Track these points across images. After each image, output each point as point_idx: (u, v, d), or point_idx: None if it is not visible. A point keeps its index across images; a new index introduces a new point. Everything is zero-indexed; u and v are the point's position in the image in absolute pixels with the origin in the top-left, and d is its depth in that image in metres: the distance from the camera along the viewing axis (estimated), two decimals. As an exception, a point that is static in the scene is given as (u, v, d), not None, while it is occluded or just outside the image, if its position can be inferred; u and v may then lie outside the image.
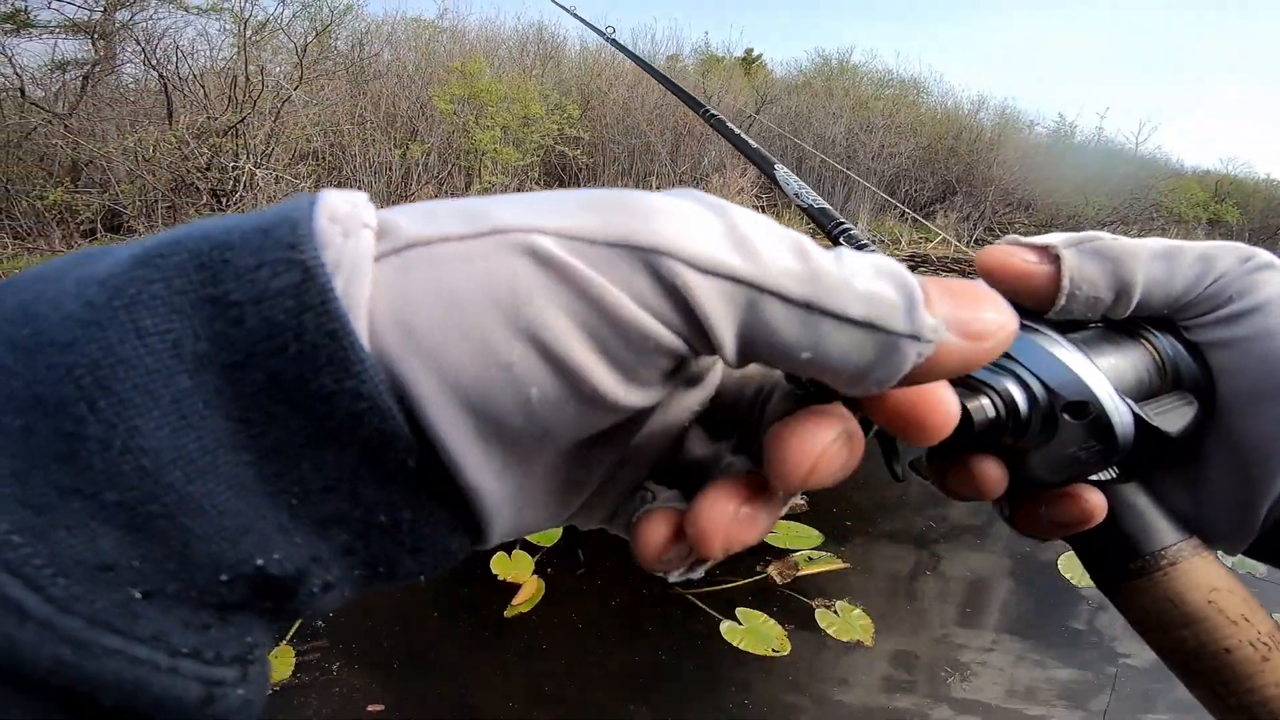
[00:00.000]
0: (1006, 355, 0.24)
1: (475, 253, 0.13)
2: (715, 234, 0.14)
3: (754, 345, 0.14)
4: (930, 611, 1.75)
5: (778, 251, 0.14)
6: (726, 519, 0.17)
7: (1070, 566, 1.90)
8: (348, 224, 0.13)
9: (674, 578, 0.19)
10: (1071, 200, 9.22)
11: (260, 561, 0.13)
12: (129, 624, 0.12)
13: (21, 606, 0.11)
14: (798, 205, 0.37)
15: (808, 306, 0.14)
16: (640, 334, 0.13)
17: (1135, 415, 0.23)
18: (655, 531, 0.18)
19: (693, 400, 0.20)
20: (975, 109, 10.32)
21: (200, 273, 0.12)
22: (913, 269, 0.15)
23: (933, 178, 9.29)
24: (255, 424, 0.12)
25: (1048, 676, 1.55)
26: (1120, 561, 0.25)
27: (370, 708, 1.44)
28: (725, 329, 0.14)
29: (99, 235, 5.46)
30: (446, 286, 0.13)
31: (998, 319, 0.16)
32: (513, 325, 0.13)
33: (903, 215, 8.89)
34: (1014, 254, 0.24)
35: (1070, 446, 0.23)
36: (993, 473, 0.24)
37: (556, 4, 1.20)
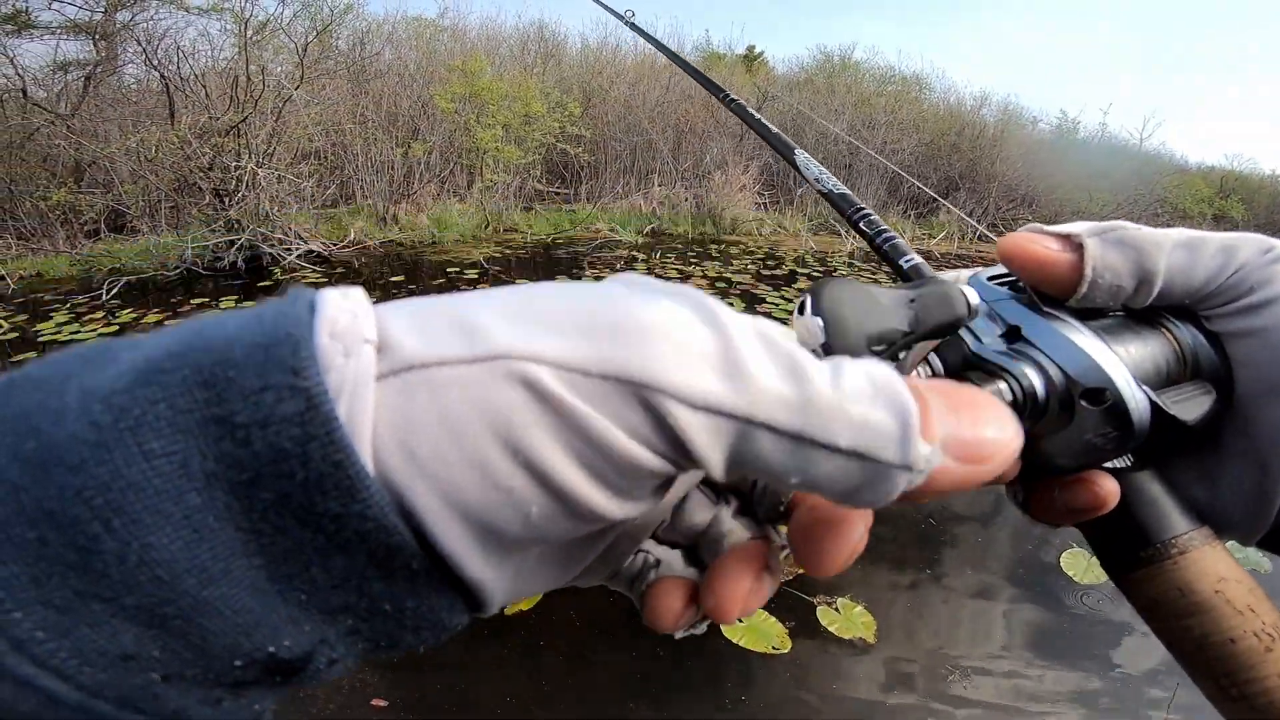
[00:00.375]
0: (1026, 340, 0.24)
1: (474, 379, 0.14)
2: (708, 360, 0.14)
3: (742, 468, 0.15)
4: (933, 608, 1.74)
5: (771, 377, 0.14)
6: (744, 592, 0.18)
7: (1072, 563, 1.89)
8: (348, 341, 0.13)
9: (679, 634, 0.20)
10: (1075, 196, 9.17)
11: (272, 649, 0.14)
12: (151, 704, 0.13)
13: (54, 695, 0.12)
14: (818, 191, 0.37)
15: (798, 437, 0.14)
16: (632, 464, 0.14)
17: (1152, 403, 0.23)
18: (670, 602, 0.20)
19: (690, 476, 0.20)
20: (978, 105, 10.29)
21: (204, 390, 0.13)
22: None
23: (935, 174, 9.25)
24: (265, 534, 0.13)
25: (1052, 674, 1.54)
26: (1131, 549, 0.25)
27: (374, 702, 1.45)
28: (714, 458, 0.14)
29: (103, 235, 5.48)
30: (447, 413, 0.13)
31: (1000, 437, 0.16)
32: (512, 455, 0.14)
33: (905, 211, 8.85)
34: (1036, 241, 0.24)
35: (1087, 433, 0.23)
36: None
37: None
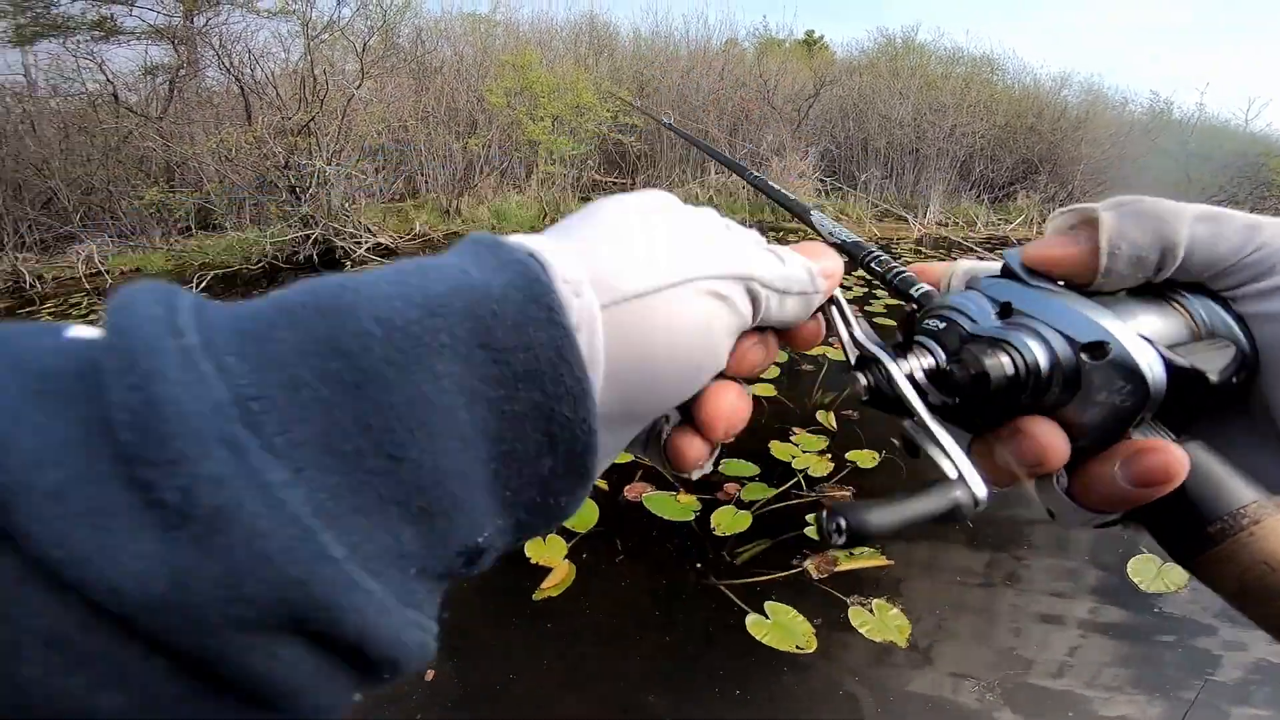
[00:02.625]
0: (1019, 312, 0.25)
1: (678, 295, 0.20)
2: (767, 263, 0.23)
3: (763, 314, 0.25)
4: (977, 616, 1.63)
5: (776, 265, 0.24)
6: (730, 402, 0.24)
7: (1140, 570, 1.74)
8: (577, 285, 0.18)
9: (695, 476, 0.26)
10: (1172, 177, 8.43)
11: (480, 539, 0.17)
12: (411, 599, 0.15)
13: (377, 598, 0.14)
14: (829, 243, 0.40)
15: (784, 291, 0.24)
16: (744, 323, 0.23)
17: (1163, 357, 0.22)
18: (685, 444, 0.24)
19: None
20: (1058, 86, 9.60)
21: (473, 322, 0.16)
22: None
23: (1011, 157, 8.73)
24: (505, 442, 0.16)
25: (1111, 690, 1.43)
26: (1196, 528, 0.23)
27: (426, 676, 1.50)
28: (749, 310, 0.23)
29: (194, 232, 5.90)
30: (670, 323, 0.20)
31: (834, 264, 0.26)
32: (702, 338, 0.21)
33: (979, 196, 8.41)
34: (1049, 245, 0.25)
35: (1100, 391, 0.23)
36: (1048, 434, 0.23)
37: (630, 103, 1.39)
